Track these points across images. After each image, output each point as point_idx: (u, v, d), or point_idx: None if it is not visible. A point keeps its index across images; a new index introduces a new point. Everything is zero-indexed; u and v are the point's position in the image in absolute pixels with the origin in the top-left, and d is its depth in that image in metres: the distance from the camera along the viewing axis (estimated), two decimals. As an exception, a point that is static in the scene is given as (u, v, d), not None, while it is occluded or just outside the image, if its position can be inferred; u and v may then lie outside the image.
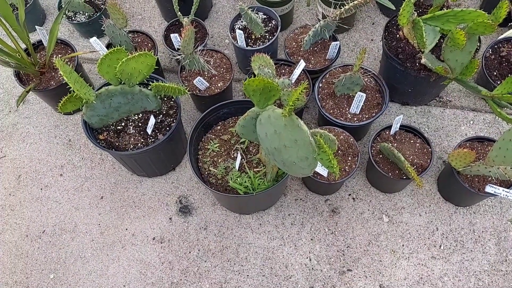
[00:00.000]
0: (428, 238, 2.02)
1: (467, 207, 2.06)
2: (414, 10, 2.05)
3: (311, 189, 2.14)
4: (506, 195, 1.73)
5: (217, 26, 2.63)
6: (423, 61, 1.80)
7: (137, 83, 1.83)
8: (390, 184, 2.02)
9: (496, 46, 2.16)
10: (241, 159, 1.92)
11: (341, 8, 1.97)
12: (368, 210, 2.10)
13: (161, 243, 2.09)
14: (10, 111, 2.53)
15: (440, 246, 2.00)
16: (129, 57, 1.69)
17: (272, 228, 2.09)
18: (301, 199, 2.14)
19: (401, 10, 1.67)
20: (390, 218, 2.07)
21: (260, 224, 2.10)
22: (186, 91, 1.83)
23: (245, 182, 1.85)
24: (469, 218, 2.04)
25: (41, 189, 2.27)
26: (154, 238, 2.10)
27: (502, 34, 2.24)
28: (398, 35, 2.02)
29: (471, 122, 2.25)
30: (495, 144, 1.61)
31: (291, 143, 1.45)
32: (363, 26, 2.57)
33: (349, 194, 2.14)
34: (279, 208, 2.13)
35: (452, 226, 2.03)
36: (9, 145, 2.42)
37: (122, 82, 1.83)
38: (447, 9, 1.86)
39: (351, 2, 1.95)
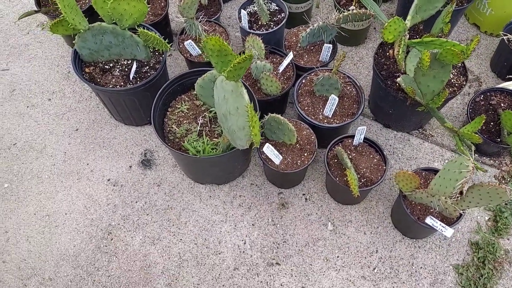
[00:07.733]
0: (365, 258, 2.00)
1: (414, 240, 2.02)
2: (411, 36, 2.06)
3: (268, 179, 2.17)
4: (441, 229, 1.70)
5: (236, 7, 2.71)
6: (398, 79, 1.80)
7: (128, 25, 1.92)
8: (341, 192, 2.01)
9: (488, 93, 2.12)
10: (204, 127, 1.97)
11: (341, 14, 2.00)
12: (316, 213, 2.10)
13: (114, 186, 2.17)
14: (28, 33, 2.70)
15: (374, 268, 1.97)
16: None
17: (219, 203, 2.12)
18: (256, 185, 2.17)
19: (386, 25, 1.68)
20: (334, 227, 2.06)
21: (210, 196, 2.14)
22: (169, 46, 1.91)
23: (199, 146, 1.91)
24: (411, 251, 2.01)
25: (28, 107, 2.41)
26: (109, 180, 2.19)
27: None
28: (388, 53, 2.03)
29: (446, 160, 2.21)
30: (438, 173, 1.60)
31: (234, 110, 1.50)
32: (372, 44, 2.58)
33: (303, 194, 2.15)
34: (233, 187, 2.16)
35: (393, 253, 2.00)
36: (15, 61, 2.58)
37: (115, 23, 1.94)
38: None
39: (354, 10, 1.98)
